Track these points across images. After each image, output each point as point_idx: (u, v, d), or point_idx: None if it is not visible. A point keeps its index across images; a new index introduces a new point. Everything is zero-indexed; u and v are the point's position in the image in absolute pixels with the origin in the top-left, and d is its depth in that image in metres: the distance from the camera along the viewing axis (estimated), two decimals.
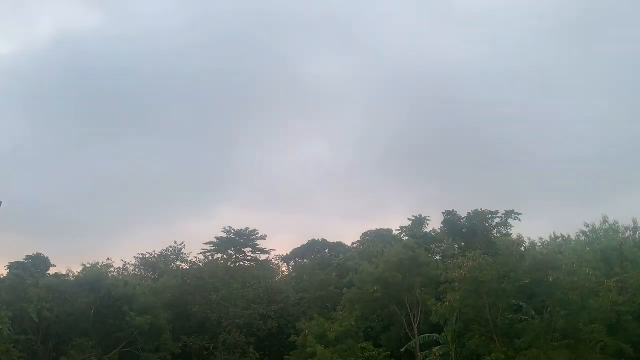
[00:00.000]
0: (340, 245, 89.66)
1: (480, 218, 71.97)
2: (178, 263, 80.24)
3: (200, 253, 78.61)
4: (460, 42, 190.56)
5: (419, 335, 56.07)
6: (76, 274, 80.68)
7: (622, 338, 49.67)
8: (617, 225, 64.80)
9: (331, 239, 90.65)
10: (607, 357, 49.14)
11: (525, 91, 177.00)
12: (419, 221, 77.11)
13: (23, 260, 73.96)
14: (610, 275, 51.95)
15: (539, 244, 71.78)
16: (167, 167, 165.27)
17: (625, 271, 52.64)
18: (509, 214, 72.19)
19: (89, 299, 65.44)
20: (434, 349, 53.73)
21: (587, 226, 65.68)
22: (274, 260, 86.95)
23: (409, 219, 77.74)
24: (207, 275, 72.00)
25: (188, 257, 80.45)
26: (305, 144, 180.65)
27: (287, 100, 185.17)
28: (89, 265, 79.30)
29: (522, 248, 68.72)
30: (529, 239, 70.66)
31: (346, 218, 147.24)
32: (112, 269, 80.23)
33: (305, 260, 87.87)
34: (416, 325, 57.54)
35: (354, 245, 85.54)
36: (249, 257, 78.76)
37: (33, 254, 74.91)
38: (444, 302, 52.73)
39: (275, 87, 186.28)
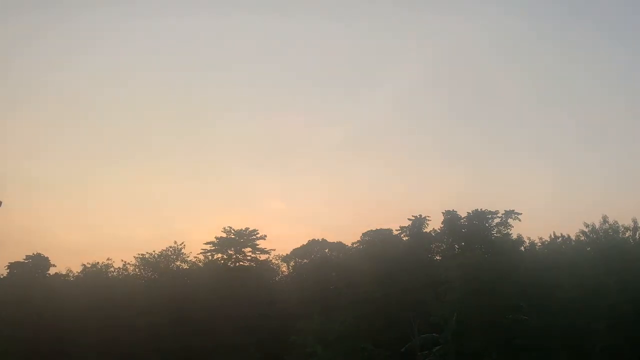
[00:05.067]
0: (340, 245, 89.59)
1: (480, 218, 71.88)
2: (178, 263, 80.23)
3: (200, 253, 78.70)
4: None
5: (419, 335, 56.00)
6: (76, 274, 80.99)
7: (622, 338, 49.64)
8: (617, 225, 64.71)
9: (331, 239, 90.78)
10: (607, 357, 49.16)
11: None
12: (419, 221, 76.98)
13: (23, 260, 73.87)
14: (610, 275, 51.91)
15: (539, 244, 71.85)
16: None
17: (625, 271, 52.56)
18: (509, 214, 72.13)
19: (89, 299, 65.43)
20: (434, 349, 53.69)
21: (587, 226, 65.58)
22: (274, 260, 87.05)
23: (409, 219, 77.69)
24: (207, 275, 72.00)
25: (188, 257, 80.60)
26: None
27: None
28: (89, 265, 79.53)
29: (522, 248, 68.93)
30: (529, 239, 70.83)
31: None
32: (112, 269, 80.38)
33: (305, 260, 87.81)
34: (416, 325, 57.48)
35: (354, 245, 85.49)
36: (249, 257, 78.61)
37: (33, 254, 74.83)
38: (443, 302, 52.78)
39: None
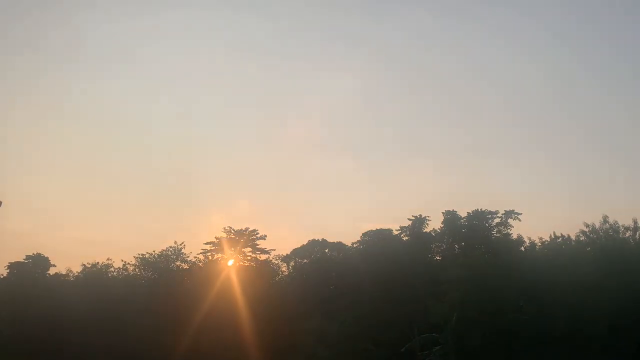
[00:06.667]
0: (340, 245, 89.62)
1: (480, 218, 71.94)
2: (178, 263, 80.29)
3: (200, 253, 78.86)
4: None
5: (419, 335, 56.02)
6: (76, 274, 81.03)
7: (622, 338, 49.64)
8: (617, 225, 64.73)
9: (331, 238, 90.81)
10: (607, 356, 49.16)
11: None
12: (419, 221, 77.01)
13: (23, 260, 73.92)
14: (610, 275, 51.91)
15: (539, 244, 71.81)
16: None
17: (625, 271, 52.58)
18: (509, 214, 72.16)
19: (89, 299, 65.42)
20: (434, 349, 53.70)
21: (587, 226, 65.59)
22: (274, 260, 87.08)
23: (409, 219, 77.73)
24: (207, 275, 72.06)
25: (188, 257, 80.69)
26: None
27: None
28: (89, 265, 79.57)
29: (522, 248, 68.90)
30: (529, 239, 70.79)
31: None
32: (112, 269, 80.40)
33: (305, 260, 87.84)
34: (416, 325, 57.48)
35: (354, 245, 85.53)
36: (249, 257, 78.81)
37: (33, 254, 74.87)
38: (443, 302, 52.79)
39: None
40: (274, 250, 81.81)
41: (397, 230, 77.39)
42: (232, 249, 76.59)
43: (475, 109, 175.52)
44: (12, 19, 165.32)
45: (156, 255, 78.72)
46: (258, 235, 77.71)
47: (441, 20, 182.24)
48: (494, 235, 70.38)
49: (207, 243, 77.37)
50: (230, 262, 76.31)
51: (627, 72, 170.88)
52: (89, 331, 62.97)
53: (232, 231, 76.82)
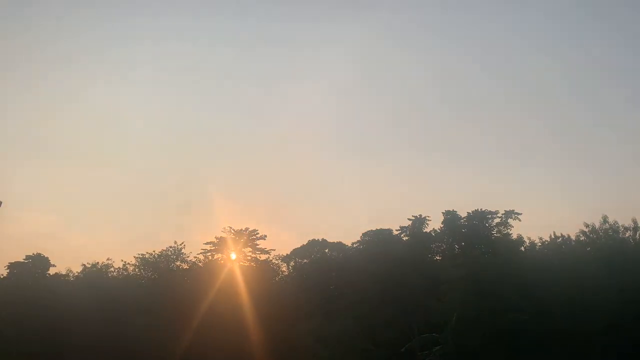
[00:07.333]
0: (340, 245, 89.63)
1: (480, 218, 71.86)
2: (178, 263, 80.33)
3: (200, 253, 78.92)
4: None
5: (419, 335, 56.01)
6: (76, 274, 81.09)
7: (622, 338, 49.67)
8: (617, 225, 64.83)
9: (331, 239, 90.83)
10: (607, 357, 49.18)
11: None
12: (419, 221, 76.97)
13: (23, 261, 73.88)
14: (610, 274, 51.96)
15: (539, 244, 71.89)
16: None
17: (625, 271, 52.63)
18: (509, 214, 72.11)
19: (89, 299, 65.40)
20: (434, 349, 53.69)
21: (587, 226, 65.68)
22: (274, 260, 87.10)
23: (409, 219, 77.69)
24: (207, 275, 72.10)
25: (188, 257, 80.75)
26: None
27: None
28: (89, 265, 79.64)
29: (522, 248, 68.96)
30: (529, 239, 70.85)
31: None
32: (112, 269, 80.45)
33: (305, 260, 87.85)
34: (416, 325, 57.51)
35: (354, 245, 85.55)
36: (249, 257, 78.84)
37: (33, 254, 74.83)
38: (443, 302, 52.83)
39: None
40: (274, 250, 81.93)
41: (397, 230, 77.37)
42: (232, 249, 76.64)
43: (476, 109, 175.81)
44: (12, 19, 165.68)
45: (156, 255, 78.82)
46: (258, 235, 77.79)
47: (446, 14, 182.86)
48: (494, 235, 70.31)
49: (207, 243, 77.45)
50: (232, 260, 76.41)
51: (628, 71, 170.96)
52: (89, 331, 62.95)
53: (232, 231, 76.88)
